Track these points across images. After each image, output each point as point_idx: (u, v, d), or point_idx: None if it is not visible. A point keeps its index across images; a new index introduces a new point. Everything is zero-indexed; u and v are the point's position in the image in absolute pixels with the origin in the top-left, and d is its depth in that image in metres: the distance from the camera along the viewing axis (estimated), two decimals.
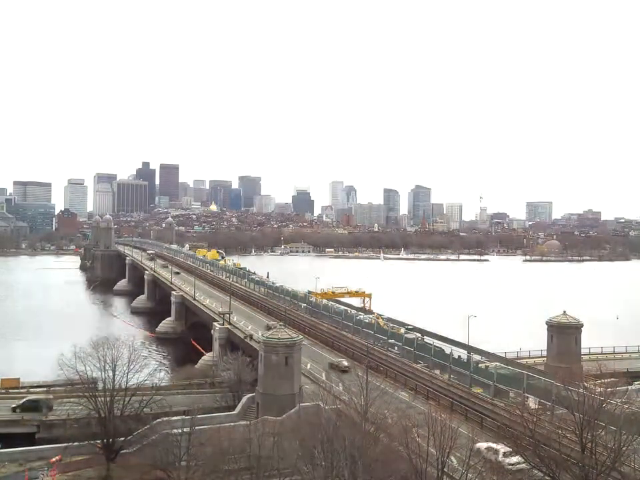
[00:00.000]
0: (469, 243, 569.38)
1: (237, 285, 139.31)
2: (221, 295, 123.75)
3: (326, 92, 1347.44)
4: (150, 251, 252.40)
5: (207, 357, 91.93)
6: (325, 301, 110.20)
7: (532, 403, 50.19)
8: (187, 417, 50.38)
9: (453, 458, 36.78)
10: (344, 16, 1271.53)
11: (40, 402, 64.86)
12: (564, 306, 79.01)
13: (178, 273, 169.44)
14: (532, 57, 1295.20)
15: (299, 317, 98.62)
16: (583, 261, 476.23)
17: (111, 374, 53.41)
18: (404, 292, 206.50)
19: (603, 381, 44.05)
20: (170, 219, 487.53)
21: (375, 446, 37.43)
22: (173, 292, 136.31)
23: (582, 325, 72.38)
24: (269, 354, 57.48)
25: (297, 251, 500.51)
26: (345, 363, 68.22)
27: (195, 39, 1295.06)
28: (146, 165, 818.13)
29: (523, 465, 37.55)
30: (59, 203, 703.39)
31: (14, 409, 64.39)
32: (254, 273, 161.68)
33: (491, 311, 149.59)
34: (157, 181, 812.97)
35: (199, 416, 50.13)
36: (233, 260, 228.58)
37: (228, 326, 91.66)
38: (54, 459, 51.24)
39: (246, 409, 60.20)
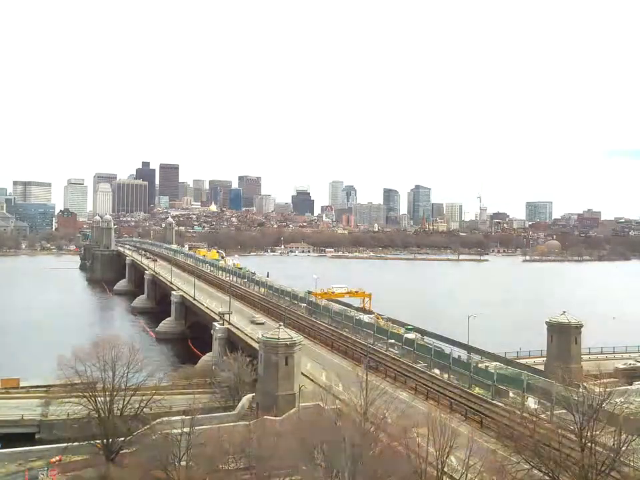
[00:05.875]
0: (469, 243, 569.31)
1: (236, 285, 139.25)
2: (221, 295, 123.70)
3: (325, 92, 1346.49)
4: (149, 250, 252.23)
5: (207, 357, 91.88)
6: (324, 301, 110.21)
7: (532, 402, 50.18)
8: (186, 417, 50.24)
9: (452, 458, 36.78)
10: (343, 16, 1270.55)
11: None
12: (563, 306, 78.95)
13: (167, 266, 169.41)
14: (532, 57, 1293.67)
15: (299, 317, 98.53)
16: (583, 261, 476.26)
17: (110, 374, 53.47)
18: (404, 292, 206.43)
19: (602, 381, 44.06)
20: (170, 219, 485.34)
21: (375, 446, 37.43)
22: (173, 292, 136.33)
23: (582, 325, 72.25)
24: (269, 354, 57.46)
25: (297, 251, 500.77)
26: (262, 320, 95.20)
27: (194, 38, 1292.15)
28: (146, 164, 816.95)
29: None
30: (59, 202, 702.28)
31: None
32: (254, 273, 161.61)
33: (490, 310, 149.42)
34: (157, 181, 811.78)
35: (198, 416, 50.05)
36: (232, 260, 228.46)
37: (228, 326, 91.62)
38: (54, 459, 51.34)
39: (246, 409, 60.18)
